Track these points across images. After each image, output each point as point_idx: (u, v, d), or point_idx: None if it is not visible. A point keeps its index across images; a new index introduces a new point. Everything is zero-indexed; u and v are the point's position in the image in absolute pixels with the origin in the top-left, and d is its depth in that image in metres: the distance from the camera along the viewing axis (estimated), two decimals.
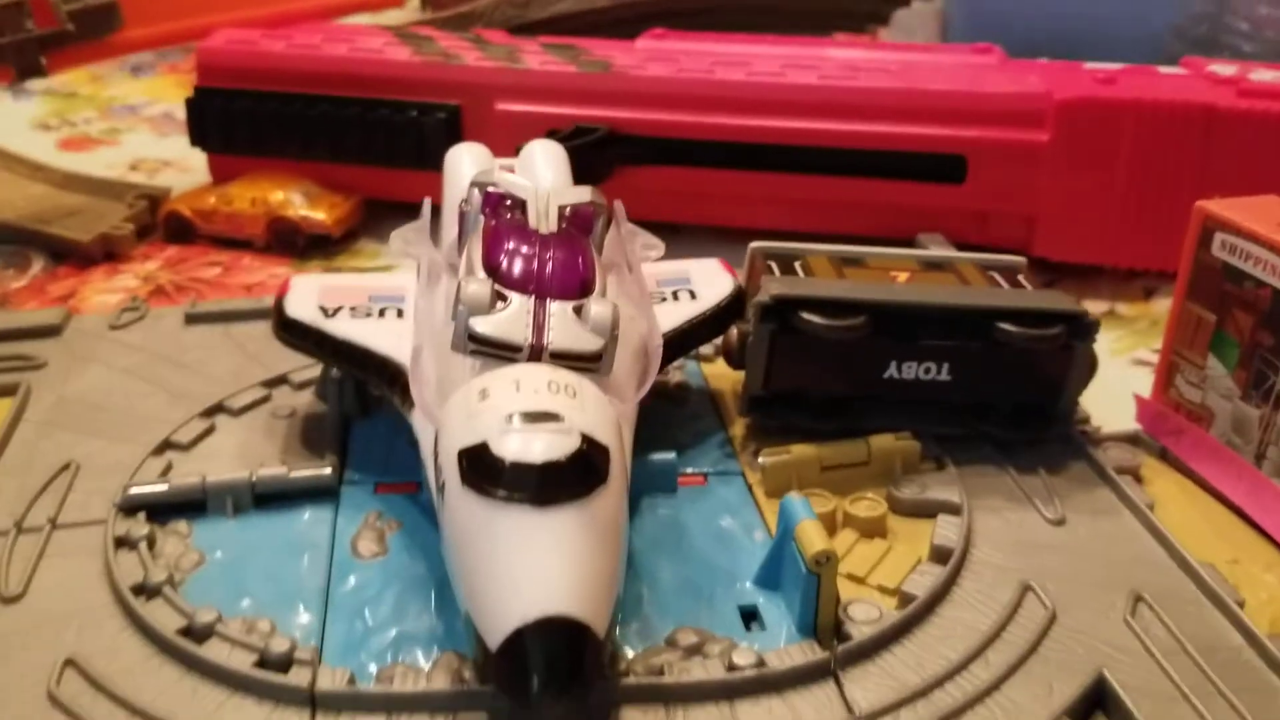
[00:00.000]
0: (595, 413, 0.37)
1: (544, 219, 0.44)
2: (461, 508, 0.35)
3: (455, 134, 0.71)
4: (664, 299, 0.50)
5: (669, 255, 0.51)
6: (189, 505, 0.45)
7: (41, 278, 0.68)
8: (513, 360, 0.38)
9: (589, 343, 0.39)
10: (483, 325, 0.38)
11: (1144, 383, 0.52)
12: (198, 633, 0.38)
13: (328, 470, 0.46)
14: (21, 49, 0.73)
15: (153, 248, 0.72)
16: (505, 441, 0.35)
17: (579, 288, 0.40)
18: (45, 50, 0.74)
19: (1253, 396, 0.46)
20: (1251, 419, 0.46)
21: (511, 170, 0.49)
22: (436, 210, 0.51)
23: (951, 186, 0.67)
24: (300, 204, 0.71)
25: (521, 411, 0.35)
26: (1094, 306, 0.66)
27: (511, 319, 0.38)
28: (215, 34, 0.76)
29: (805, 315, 0.47)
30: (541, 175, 0.51)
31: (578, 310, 0.39)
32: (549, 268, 0.41)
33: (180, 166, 0.85)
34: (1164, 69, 0.70)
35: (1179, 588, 0.41)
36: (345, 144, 0.73)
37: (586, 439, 0.35)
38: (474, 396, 0.36)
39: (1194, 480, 0.48)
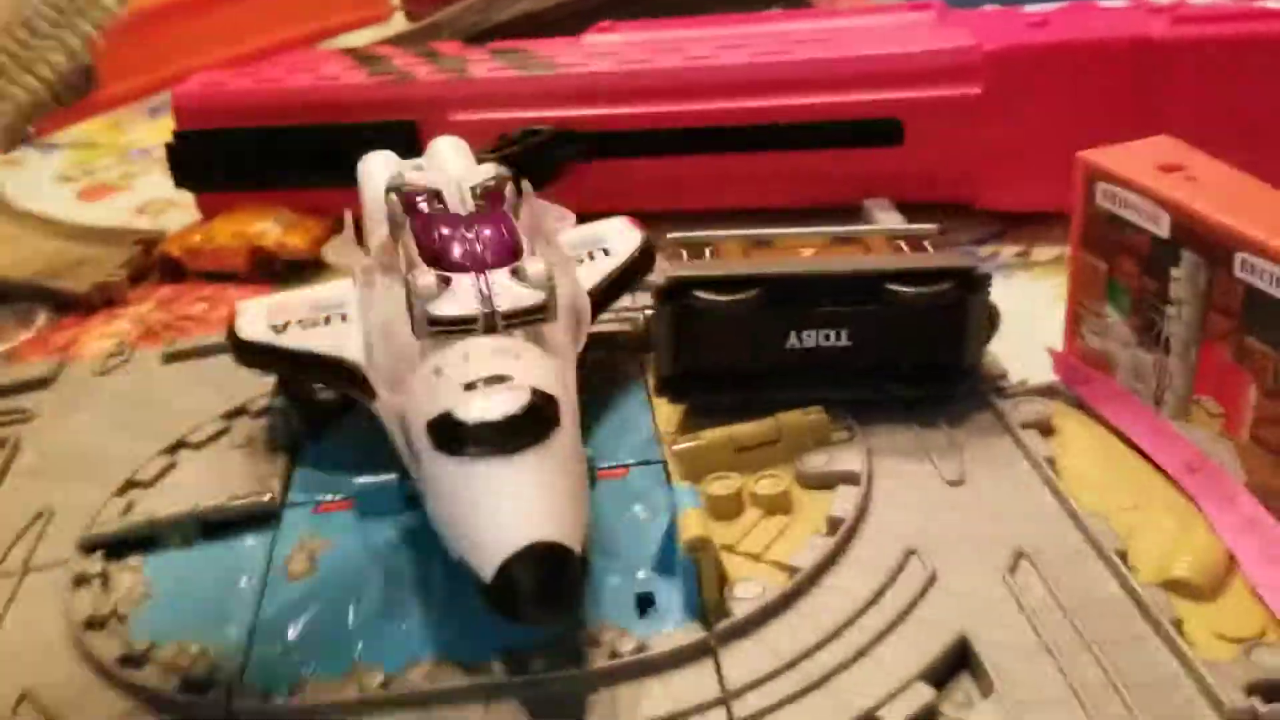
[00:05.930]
0: (539, 369, 0.41)
1: (461, 201, 0.48)
2: (438, 471, 0.39)
3: (414, 149, 0.72)
4: (581, 261, 0.54)
5: None
6: (143, 541, 0.48)
7: (46, 330, 0.72)
8: (471, 332, 0.42)
9: (533, 298, 0.42)
10: (438, 309, 0.42)
11: None
12: (136, 660, 0.41)
13: (267, 496, 0.49)
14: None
15: (148, 289, 0.76)
16: (467, 407, 0.39)
17: (510, 253, 0.44)
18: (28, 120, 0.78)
19: (1145, 342, 0.46)
20: (1147, 364, 0.47)
21: (420, 168, 0.53)
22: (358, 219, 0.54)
23: (892, 149, 0.68)
24: (276, 232, 0.75)
25: (475, 379, 0.39)
26: (1045, 253, 0.66)
27: (461, 297, 0.42)
28: (191, 79, 0.79)
29: (699, 293, 0.48)
30: (451, 164, 0.55)
31: (515, 272, 0.43)
32: (480, 243, 0.44)
33: (185, 206, 0.87)
34: (1105, 3, 0.69)
35: (1065, 541, 0.42)
36: (315, 169, 0.75)
37: (536, 392, 0.39)
38: (430, 375, 0.41)
39: (1110, 429, 0.48)
